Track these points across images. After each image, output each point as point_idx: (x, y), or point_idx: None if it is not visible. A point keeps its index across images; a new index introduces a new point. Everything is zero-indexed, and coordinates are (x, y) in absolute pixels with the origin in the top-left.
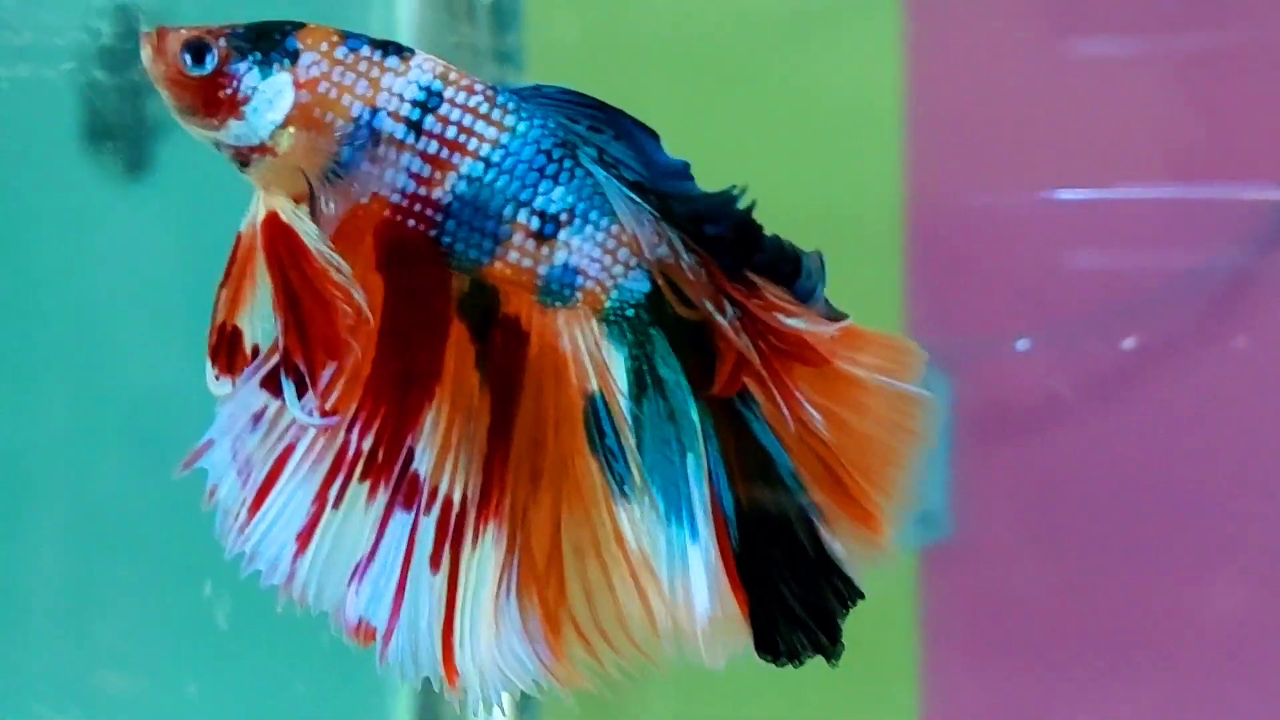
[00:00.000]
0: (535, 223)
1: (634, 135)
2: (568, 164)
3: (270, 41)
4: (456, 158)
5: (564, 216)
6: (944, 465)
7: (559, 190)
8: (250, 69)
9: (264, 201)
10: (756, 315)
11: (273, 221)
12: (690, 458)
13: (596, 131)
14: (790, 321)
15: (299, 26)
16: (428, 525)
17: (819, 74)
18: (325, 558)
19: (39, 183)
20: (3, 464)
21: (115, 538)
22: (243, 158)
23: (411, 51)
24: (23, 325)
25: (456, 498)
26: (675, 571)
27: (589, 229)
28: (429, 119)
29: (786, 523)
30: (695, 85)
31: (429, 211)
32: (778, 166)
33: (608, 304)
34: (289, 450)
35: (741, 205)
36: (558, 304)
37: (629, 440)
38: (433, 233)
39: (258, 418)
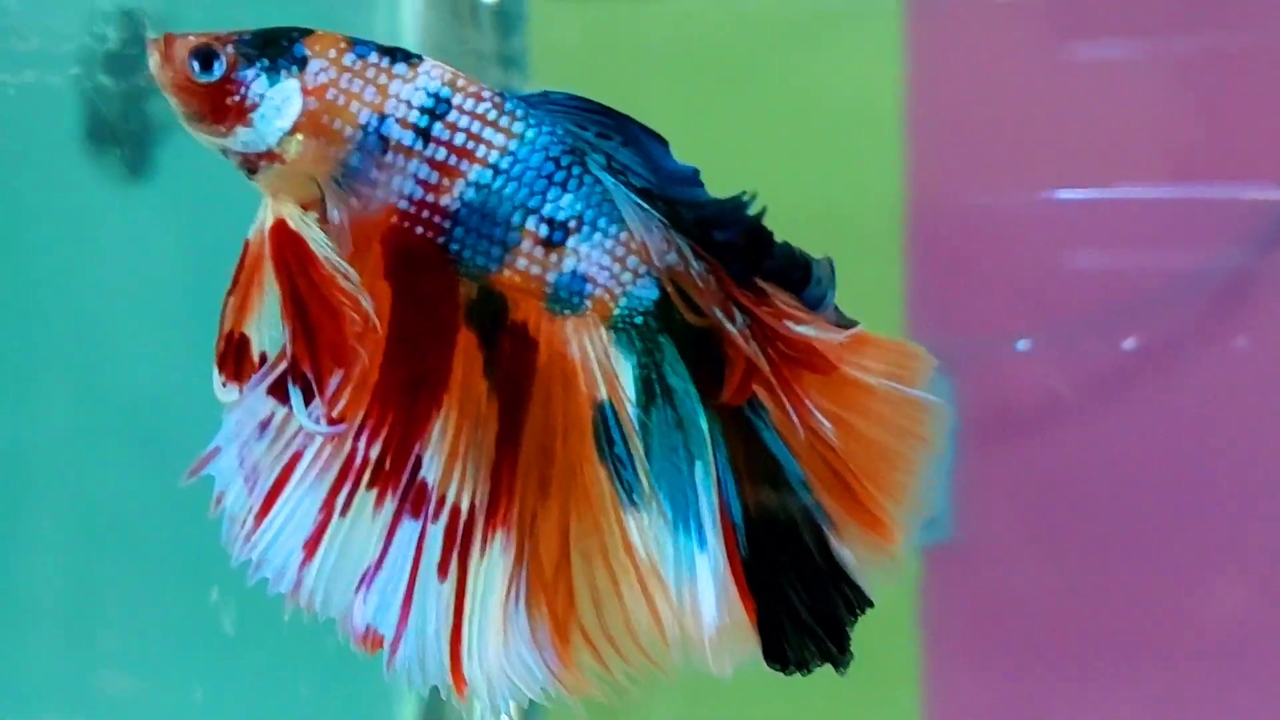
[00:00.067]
0: (544, 230)
1: (642, 141)
2: (576, 171)
3: (278, 48)
4: (465, 165)
5: (573, 224)
6: (946, 466)
7: (568, 197)
8: (258, 76)
9: (272, 208)
10: (766, 322)
11: (281, 229)
12: (699, 465)
13: (605, 138)
14: (799, 329)
15: (307, 33)
16: (435, 533)
17: (820, 76)
18: (332, 565)
19: (41, 185)
20: (6, 467)
21: (122, 542)
22: (251, 165)
23: (420, 58)
24: (25, 327)
25: (464, 505)
26: (682, 580)
27: (598, 236)
28: (437, 126)
29: (795, 530)
30: (697, 88)
31: (437, 218)
32: (779, 168)
33: (616, 311)
34: (296, 458)
35: (751, 211)
36: (566, 311)
37: (637, 448)
38: (441, 240)
39: (265, 425)
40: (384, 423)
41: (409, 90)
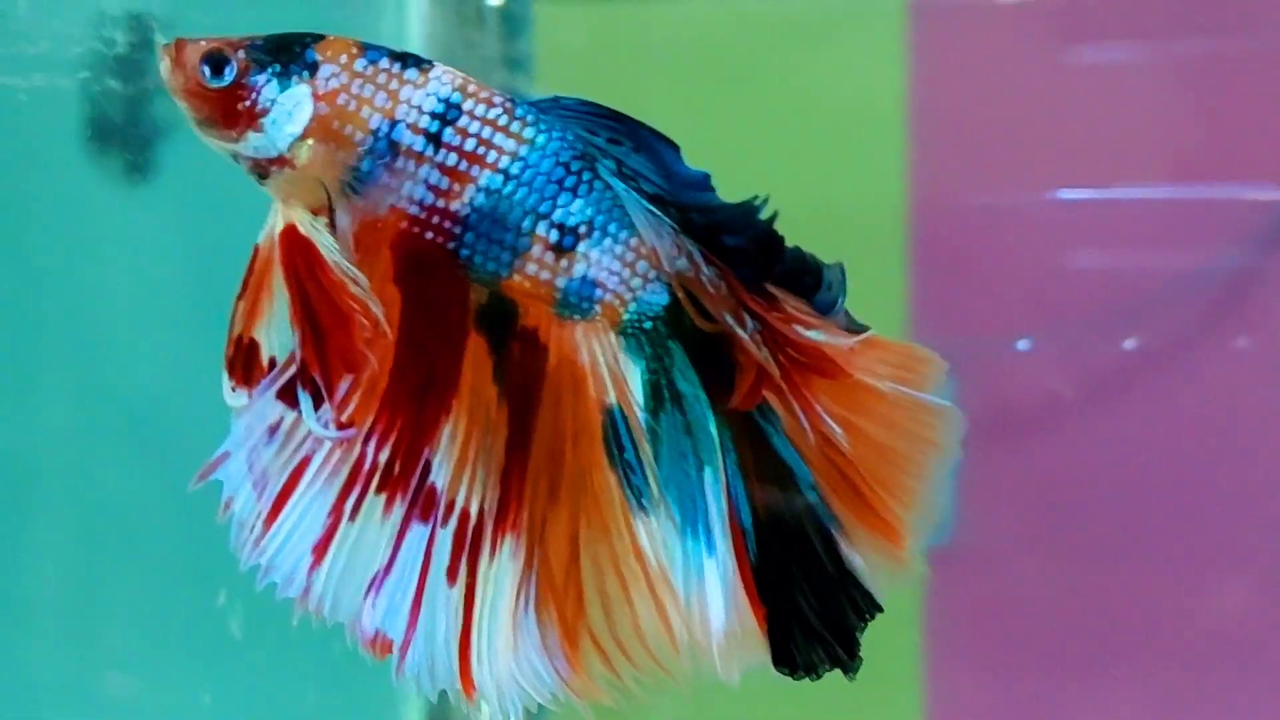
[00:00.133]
0: (554, 235)
1: (653, 147)
2: (586, 176)
3: (289, 53)
4: (475, 170)
5: (583, 229)
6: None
7: (578, 203)
8: (269, 81)
9: (282, 214)
10: (776, 328)
11: (291, 234)
12: (708, 471)
13: (615, 144)
14: (810, 334)
15: (318, 38)
16: (445, 537)
17: (822, 77)
18: (341, 570)
19: (46, 187)
20: (11, 470)
21: (130, 545)
22: (261, 170)
23: (430, 64)
24: (29, 329)
25: (474, 510)
26: (691, 585)
27: (608, 241)
28: (447, 131)
29: (805, 536)
30: (700, 89)
31: (447, 224)
32: (781, 169)
33: (626, 316)
34: (305, 462)
35: (763, 216)
36: (576, 316)
37: (647, 453)
38: (451, 245)
39: (273, 430)
40: (393, 427)
41: (420, 95)
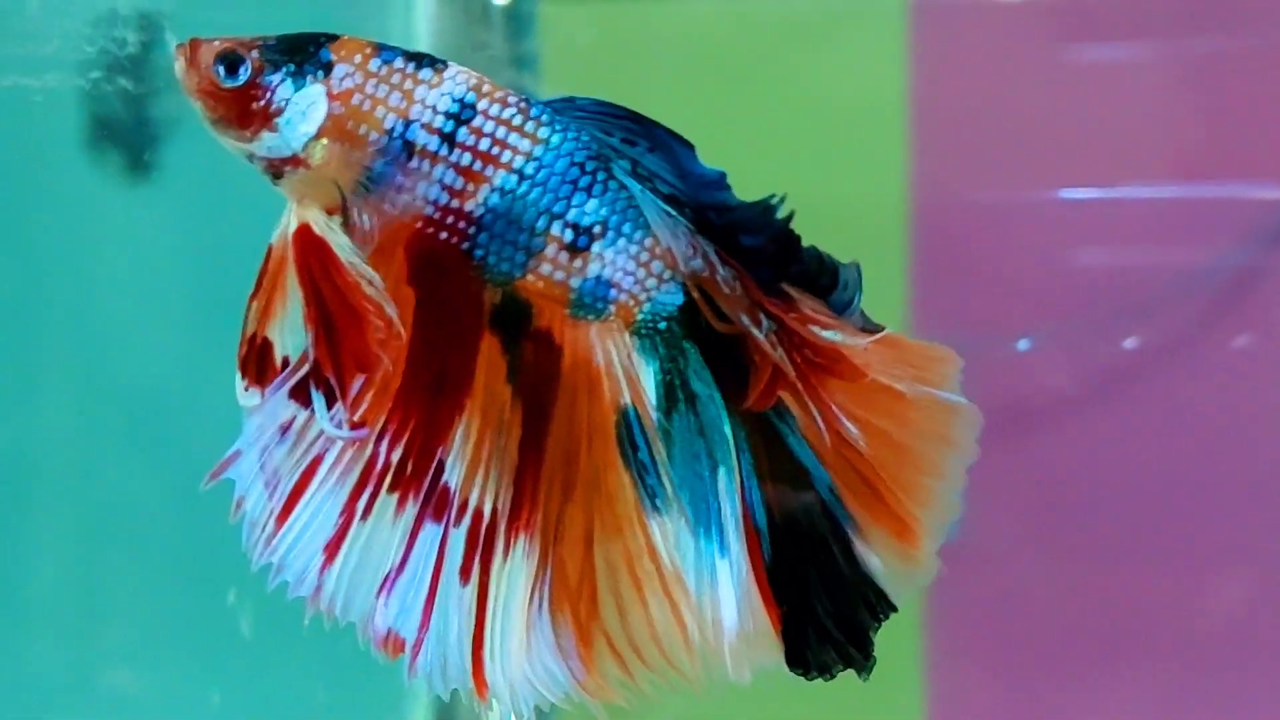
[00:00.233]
0: (568, 235)
1: (669, 146)
2: (601, 176)
3: (304, 53)
4: (489, 170)
5: (597, 229)
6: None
7: (592, 203)
8: (283, 81)
9: (296, 213)
10: (792, 328)
11: (305, 233)
12: (722, 471)
13: (630, 144)
14: (826, 334)
15: (333, 38)
16: (458, 537)
17: (823, 75)
18: (353, 569)
19: (46, 185)
20: (17, 470)
21: (139, 544)
22: (275, 170)
23: (445, 63)
24: (32, 327)
25: (487, 510)
26: (704, 586)
27: (622, 241)
28: (462, 131)
29: (820, 536)
30: (702, 88)
31: (461, 224)
32: (783, 166)
33: (640, 317)
34: (317, 461)
35: (780, 215)
36: (590, 317)
37: (661, 453)
38: (465, 245)
39: (286, 429)
40: (406, 427)
41: (434, 95)
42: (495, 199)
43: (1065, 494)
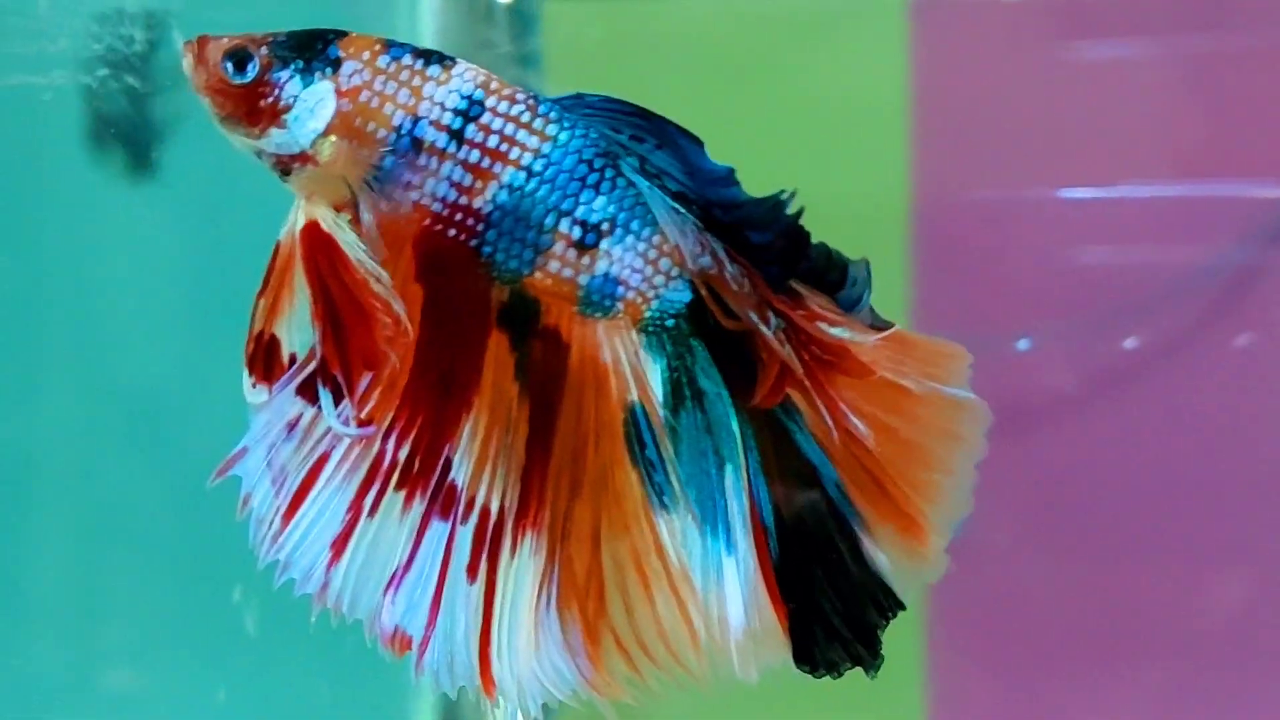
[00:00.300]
0: (576, 232)
1: (678, 143)
2: (609, 173)
3: (312, 50)
4: (498, 167)
5: (605, 226)
6: None
7: (600, 200)
8: (292, 77)
9: (304, 210)
10: (800, 325)
11: (313, 230)
12: (729, 469)
13: (639, 141)
14: (834, 331)
15: (341, 35)
16: (465, 534)
17: (825, 73)
18: (360, 566)
19: (50, 183)
20: (20, 468)
21: (144, 543)
22: (284, 166)
23: (453, 60)
24: (33, 326)
25: (494, 507)
26: (710, 583)
27: (630, 239)
28: (471, 128)
29: (828, 534)
30: (703, 85)
31: (470, 221)
32: (784, 164)
33: (647, 314)
34: (324, 458)
35: (789, 211)
36: (598, 314)
37: (668, 451)
38: (473, 242)
39: (293, 426)
40: (413, 424)
41: (442, 92)
42: (504, 196)
43: (1065, 494)
